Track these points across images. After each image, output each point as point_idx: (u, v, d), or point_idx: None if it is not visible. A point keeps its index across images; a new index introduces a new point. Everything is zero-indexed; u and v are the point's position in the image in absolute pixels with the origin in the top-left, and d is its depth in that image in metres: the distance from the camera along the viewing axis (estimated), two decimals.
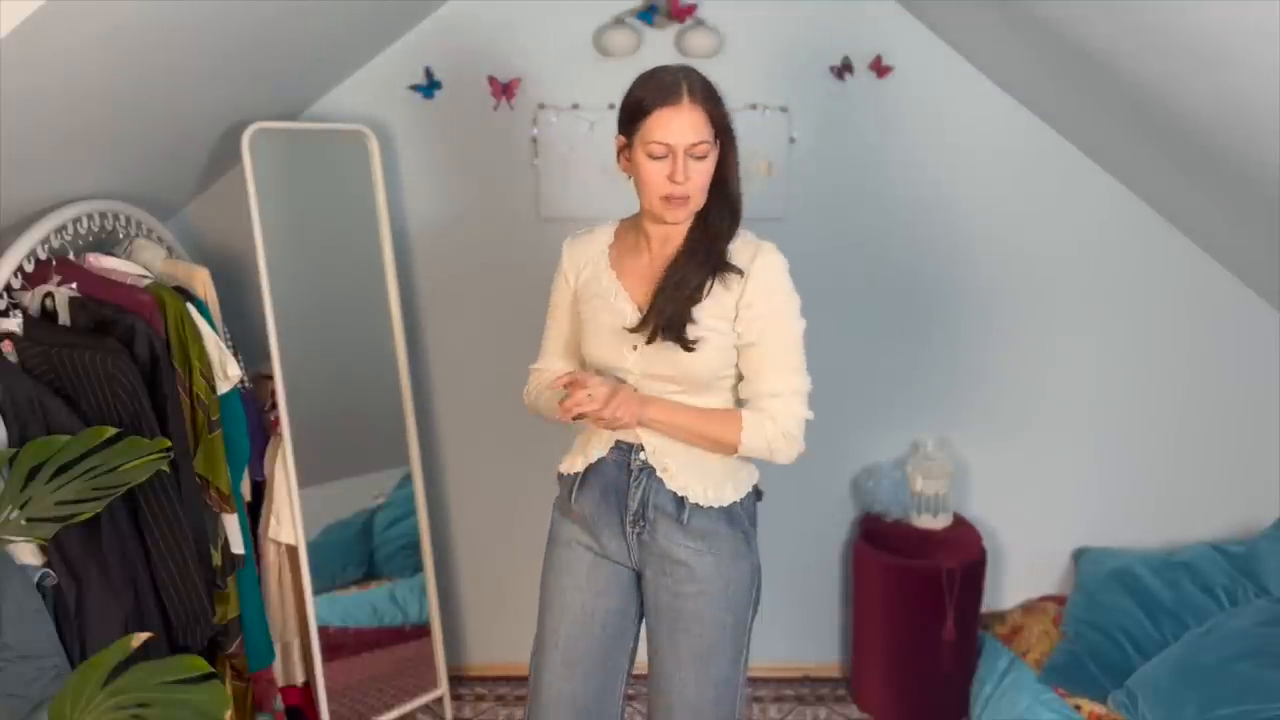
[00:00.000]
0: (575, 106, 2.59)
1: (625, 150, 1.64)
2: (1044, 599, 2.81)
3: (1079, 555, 2.79)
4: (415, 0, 2.47)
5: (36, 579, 1.72)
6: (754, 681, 2.90)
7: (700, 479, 1.66)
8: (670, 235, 1.67)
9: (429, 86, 2.58)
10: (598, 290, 1.72)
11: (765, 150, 2.60)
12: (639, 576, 1.75)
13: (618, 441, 1.70)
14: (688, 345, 1.59)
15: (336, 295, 2.56)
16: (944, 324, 2.72)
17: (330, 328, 2.53)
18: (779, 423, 1.61)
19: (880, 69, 2.56)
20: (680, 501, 1.66)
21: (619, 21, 2.52)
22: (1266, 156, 1.87)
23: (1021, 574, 2.85)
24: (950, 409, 2.77)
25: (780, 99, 2.59)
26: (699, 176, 1.58)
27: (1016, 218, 2.66)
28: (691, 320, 1.60)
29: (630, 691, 1.86)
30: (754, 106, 2.58)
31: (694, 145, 1.56)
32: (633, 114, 1.59)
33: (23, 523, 1.56)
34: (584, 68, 2.58)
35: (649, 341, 1.62)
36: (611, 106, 2.56)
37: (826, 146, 2.62)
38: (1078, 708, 2.37)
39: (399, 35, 2.56)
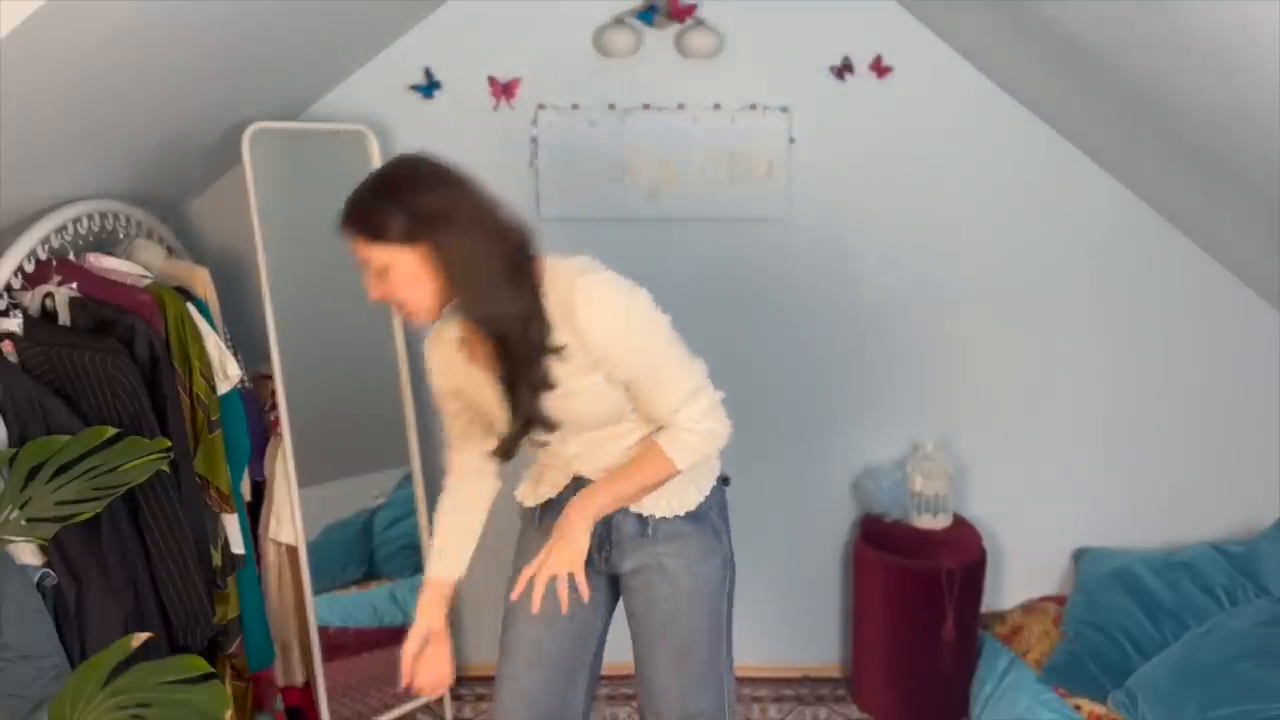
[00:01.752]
0: (575, 106, 2.59)
1: None
2: (1044, 599, 2.81)
3: (1079, 555, 2.79)
4: (415, 0, 2.47)
5: (36, 579, 1.72)
6: (754, 681, 2.90)
7: (662, 494, 1.65)
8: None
9: (429, 86, 2.58)
10: (468, 384, 1.63)
11: (765, 150, 2.60)
12: (610, 578, 1.76)
13: (574, 477, 1.68)
14: (552, 427, 1.56)
15: (336, 295, 2.54)
16: (944, 324, 2.72)
17: (330, 328, 2.53)
18: (695, 429, 1.56)
19: (880, 69, 2.56)
20: (644, 520, 1.67)
21: (619, 21, 2.52)
22: (1267, 156, 1.87)
23: (1021, 574, 2.85)
24: (950, 409, 2.77)
25: (780, 99, 2.59)
26: (396, 291, 1.44)
27: (1016, 218, 2.66)
28: (550, 386, 1.51)
29: (629, 692, 1.87)
30: (754, 106, 2.58)
31: (365, 263, 1.45)
32: None
33: (23, 523, 1.56)
34: (584, 68, 2.58)
35: (524, 435, 1.57)
36: (612, 107, 2.59)
37: (826, 146, 2.61)
38: (1078, 708, 2.37)
39: (399, 35, 2.56)
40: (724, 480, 1.78)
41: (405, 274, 1.42)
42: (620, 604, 1.80)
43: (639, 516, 1.67)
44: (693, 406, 1.55)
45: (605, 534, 1.68)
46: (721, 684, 1.77)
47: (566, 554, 1.53)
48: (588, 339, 1.47)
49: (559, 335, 1.48)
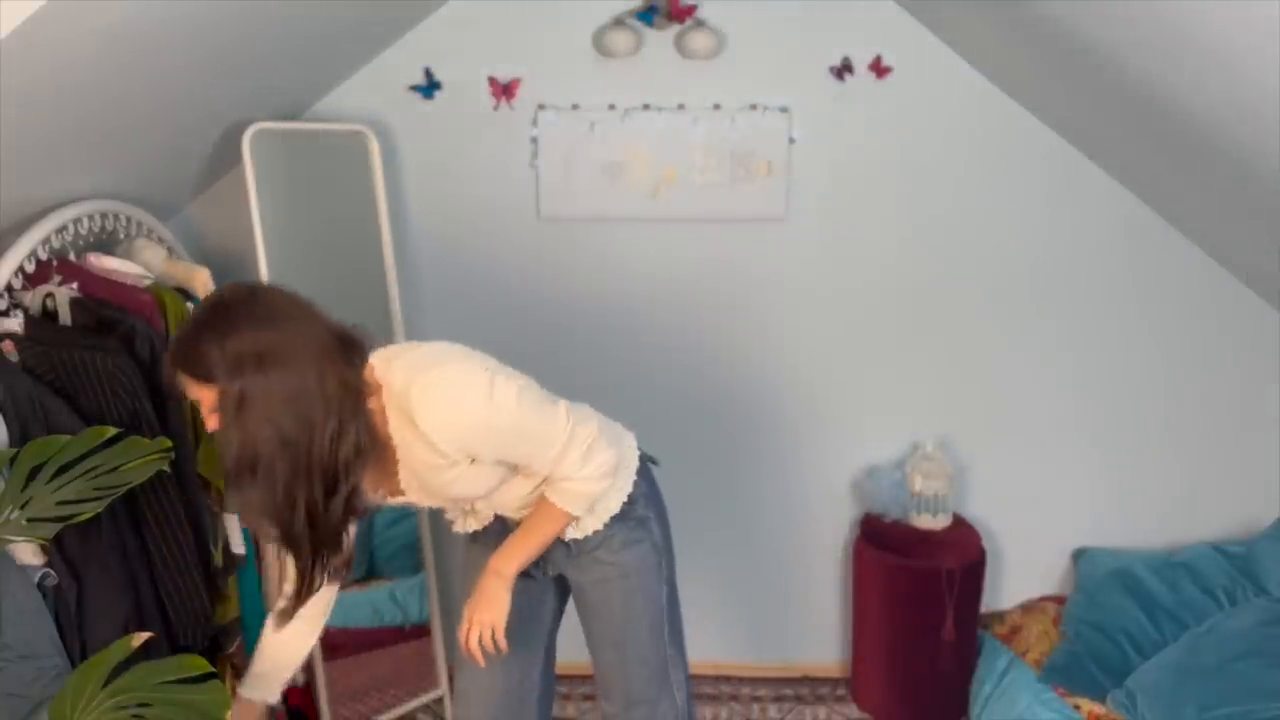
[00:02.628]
0: (575, 106, 2.59)
1: None
2: (1044, 599, 2.81)
3: (1079, 555, 2.79)
4: (415, 0, 2.47)
5: (37, 579, 1.72)
6: (754, 681, 2.90)
7: (581, 520, 1.69)
8: None
9: (429, 86, 2.58)
10: None
11: (765, 150, 2.60)
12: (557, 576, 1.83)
13: (495, 515, 1.75)
14: (345, 565, 1.57)
15: (336, 295, 2.53)
16: (944, 324, 2.72)
17: None
18: (578, 476, 1.56)
19: (880, 69, 2.56)
20: (568, 544, 1.72)
21: (619, 22, 2.52)
22: (1267, 156, 1.87)
23: (1021, 574, 2.85)
24: (950, 409, 2.77)
25: (780, 99, 2.59)
26: (221, 427, 1.37)
27: (1016, 217, 2.66)
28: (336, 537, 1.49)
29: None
30: (754, 106, 2.58)
31: (196, 402, 1.40)
32: None
33: (23, 523, 1.55)
34: (584, 68, 2.58)
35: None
36: (612, 107, 2.59)
37: (826, 146, 2.62)
38: (1077, 708, 2.37)
39: (399, 35, 2.56)
40: (650, 460, 1.80)
41: (241, 414, 1.35)
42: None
43: (563, 542, 1.71)
44: (566, 460, 1.54)
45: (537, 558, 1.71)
46: (666, 670, 1.80)
47: (488, 615, 1.62)
48: (433, 441, 1.45)
49: (410, 439, 1.46)
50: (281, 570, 1.70)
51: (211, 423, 1.38)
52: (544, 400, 1.54)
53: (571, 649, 1.95)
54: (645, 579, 1.75)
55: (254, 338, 1.35)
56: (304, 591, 1.54)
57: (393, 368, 1.47)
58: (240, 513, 1.45)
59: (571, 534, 1.70)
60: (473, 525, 1.79)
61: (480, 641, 1.63)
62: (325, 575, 1.53)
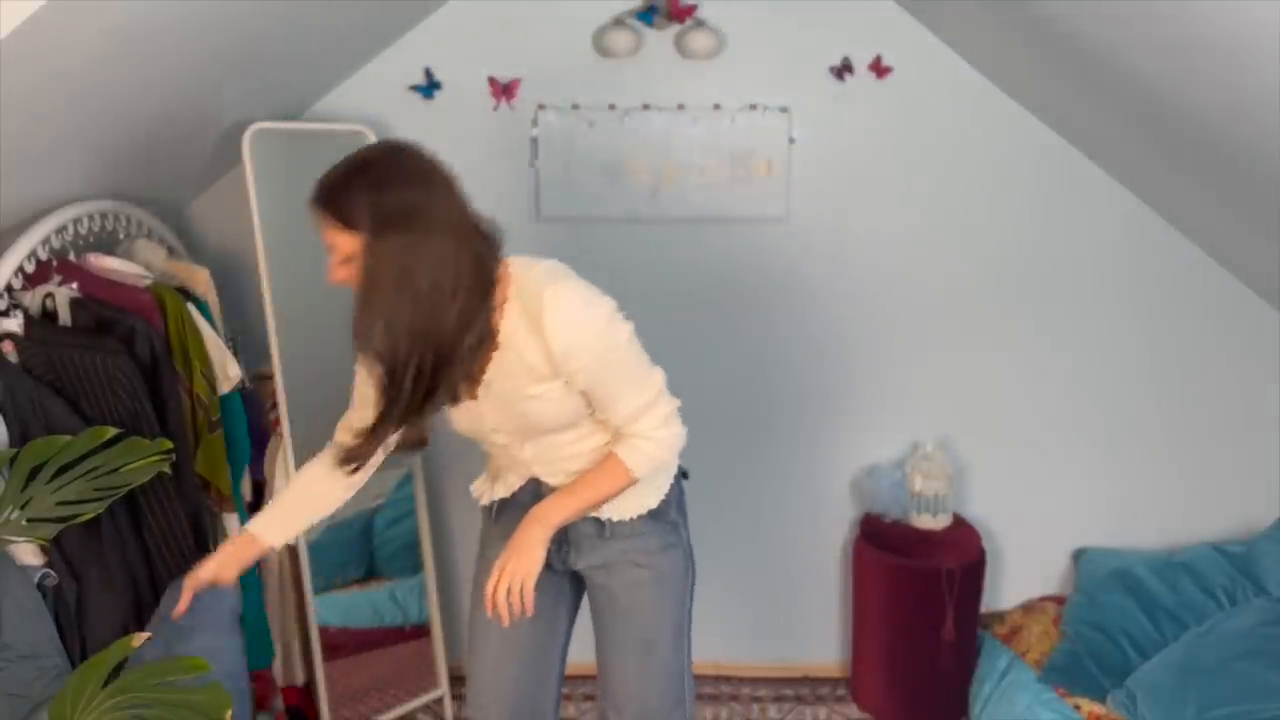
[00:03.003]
0: (575, 106, 2.59)
1: None
2: (1044, 599, 2.81)
3: (1079, 555, 2.79)
4: (415, 0, 2.47)
5: (37, 579, 1.72)
6: (754, 681, 2.90)
7: (621, 497, 1.65)
8: None
9: (429, 86, 2.58)
10: None
11: (765, 150, 2.60)
12: (573, 575, 1.78)
13: (530, 479, 1.70)
14: (420, 444, 1.57)
15: (337, 295, 2.53)
16: (944, 324, 2.72)
17: (330, 328, 2.50)
18: (653, 438, 1.57)
19: (880, 69, 2.56)
20: (602, 523, 1.68)
21: (619, 22, 2.52)
22: (1267, 156, 1.87)
23: (1021, 574, 2.85)
24: (950, 409, 2.77)
25: (780, 99, 2.59)
26: (346, 276, 1.44)
27: (1015, 217, 2.66)
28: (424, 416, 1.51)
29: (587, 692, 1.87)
30: (754, 106, 2.59)
31: (329, 247, 1.44)
32: None
33: (23, 523, 1.56)
34: (584, 68, 2.58)
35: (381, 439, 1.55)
36: (612, 107, 2.59)
37: (826, 146, 2.62)
38: (1077, 708, 2.37)
39: (399, 35, 2.56)
40: (683, 474, 1.79)
41: (364, 265, 1.41)
42: (586, 602, 1.81)
43: (596, 520, 1.68)
44: (650, 416, 1.56)
45: (563, 535, 1.67)
46: (682, 682, 1.78)
47: (523, 565, 1.54)
48: (550, 347, 1.47)
49: (523, 340, 1.49)
50: (360, 400, 1.66)
51: (340, 273, 1.43)
52: (646, 355, 1.58)
53: (572, 648, 1.93)
54: (676, 585, 1.73)
55: (403, 196, 1.38)
56: (371, 440, 1.55)
57: (529, 269, 1.51)
58: (359, 351, 1.49)
59: (609, 512, 1.65)
60: (501, 492, 1.73)
61: (509, 600, 1.53)
62: (395, 438, 1.55)
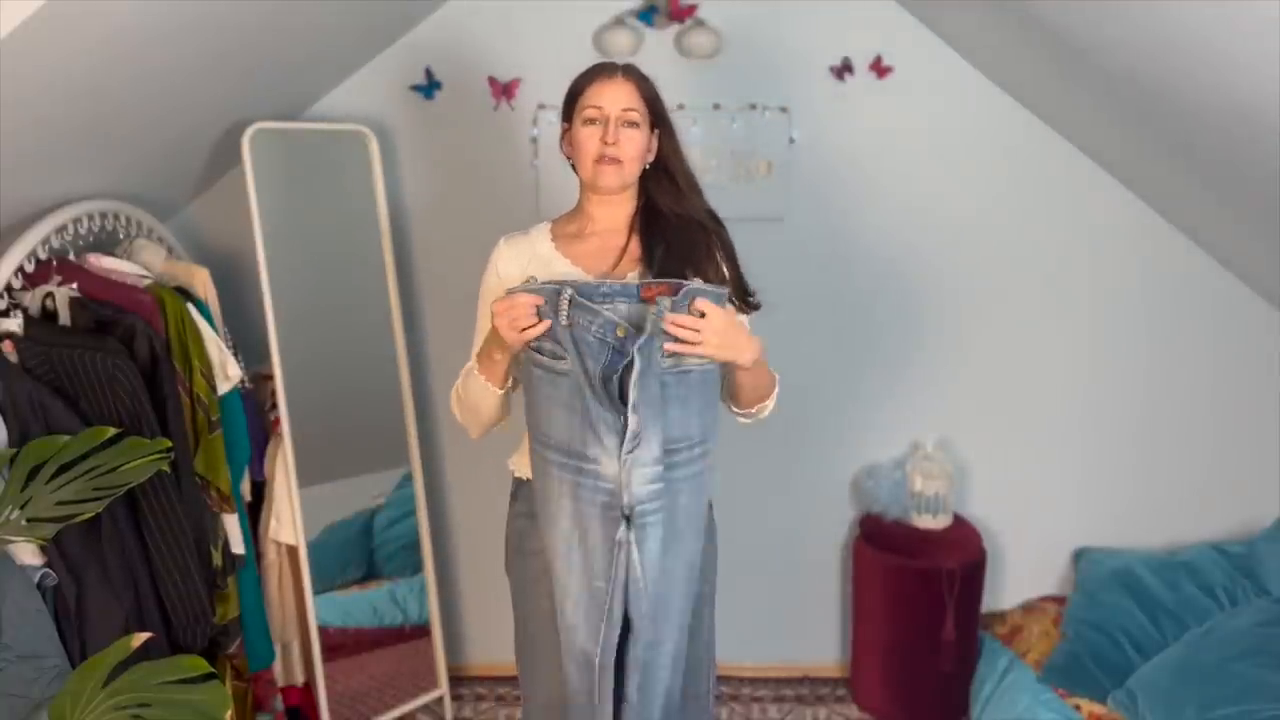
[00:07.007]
0: None
1: (567, 134, 1.70)
2: (1044, 599, 2.81)
3: (1079, 555, 2.79)
4: (415, 0, 2.47)
5: (36, 579, 1.72)
6: (754, 681, 2.91)
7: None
8: (616, 218, 1.69)
9: (429, 86, 2.58)
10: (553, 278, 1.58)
11: (765, 150, 2.60)
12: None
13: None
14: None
15: (336, 295, 2.56)
16: (944, 324, 2.72)
17: (330, 328, 2.53)
18: (771, 401, 1.74)
19: (880, 69, 2.56)
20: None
21: (619, 22, 2.52)
22: (1267, 156, 1.87)
23: (1021, 574, 2.85)
24: (950, 409, 2.77)
25: (780, 99, 2.59)
26: (630, 144, 1.64)
27: (1016, 217, 2.66)
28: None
29: None
30: (754, 106, 2.59)
31: (625, 111, 1.64)
32: (572, 95, 1.69)
33: (23, 523, 1.55)
34: (584, 68, 2.57)
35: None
36: None
37: (826, 146, 2.62)
38: (1077, 708, 2.37)
39: (399, 35, 2.56)
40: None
41: (642, 136, 1.66)
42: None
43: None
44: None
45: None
46: (709, 670, 1.77)
47: (737, 335, 1.52)
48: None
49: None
50: None
51: (624, 137, 1.63)
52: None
53: None
54: (709, 572, 1.73)
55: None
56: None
57: None
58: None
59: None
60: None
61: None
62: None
